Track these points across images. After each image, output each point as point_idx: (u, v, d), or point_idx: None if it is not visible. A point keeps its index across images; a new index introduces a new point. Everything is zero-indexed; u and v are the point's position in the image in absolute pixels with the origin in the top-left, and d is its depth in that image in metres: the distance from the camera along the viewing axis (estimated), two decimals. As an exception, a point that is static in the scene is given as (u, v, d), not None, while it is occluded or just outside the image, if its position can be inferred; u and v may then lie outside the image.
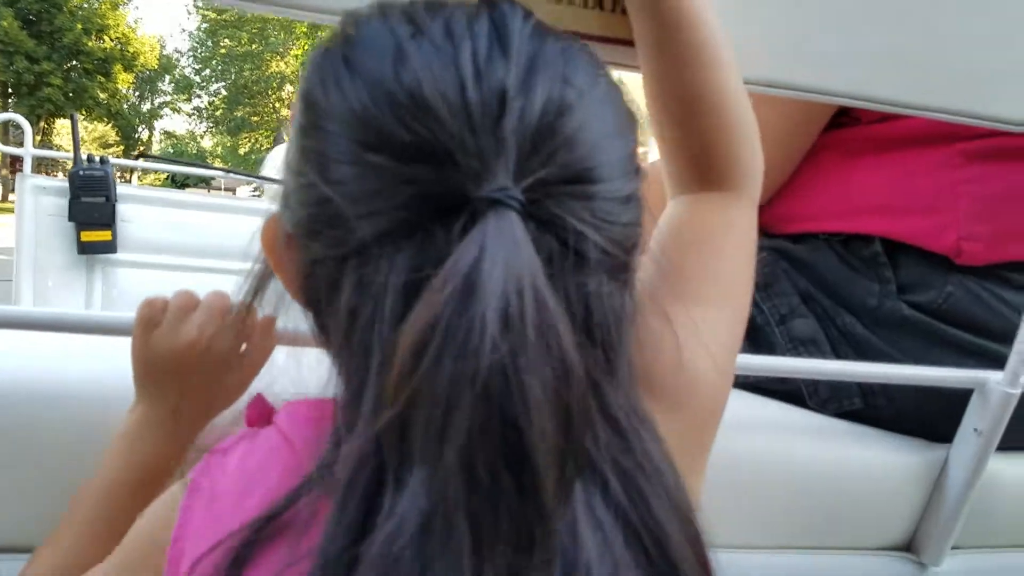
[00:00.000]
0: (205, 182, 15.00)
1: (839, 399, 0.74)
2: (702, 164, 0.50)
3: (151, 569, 0.39)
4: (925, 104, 0.61)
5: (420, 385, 0.29)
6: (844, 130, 0.76)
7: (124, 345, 0.52)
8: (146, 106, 26.24)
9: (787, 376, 0.73)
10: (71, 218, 1.51)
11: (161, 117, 26.71)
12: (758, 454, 0.72)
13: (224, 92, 26.44)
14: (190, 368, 0.52)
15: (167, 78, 26.34)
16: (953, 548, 0.78)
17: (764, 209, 0.83)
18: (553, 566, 0.30)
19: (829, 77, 0.59)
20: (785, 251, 0.77)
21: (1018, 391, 0.70)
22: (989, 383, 0.71)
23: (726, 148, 0.49)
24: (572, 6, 0.50)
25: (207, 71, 26.41)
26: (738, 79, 0.49)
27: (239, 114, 25.64)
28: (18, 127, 1.83)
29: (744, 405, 0.75)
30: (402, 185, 0.31)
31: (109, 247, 1.59)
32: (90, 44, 20.56)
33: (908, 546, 0.78)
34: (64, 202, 1.52)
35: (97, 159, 1.60)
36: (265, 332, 0.53)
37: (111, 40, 21.51)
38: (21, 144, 1.78)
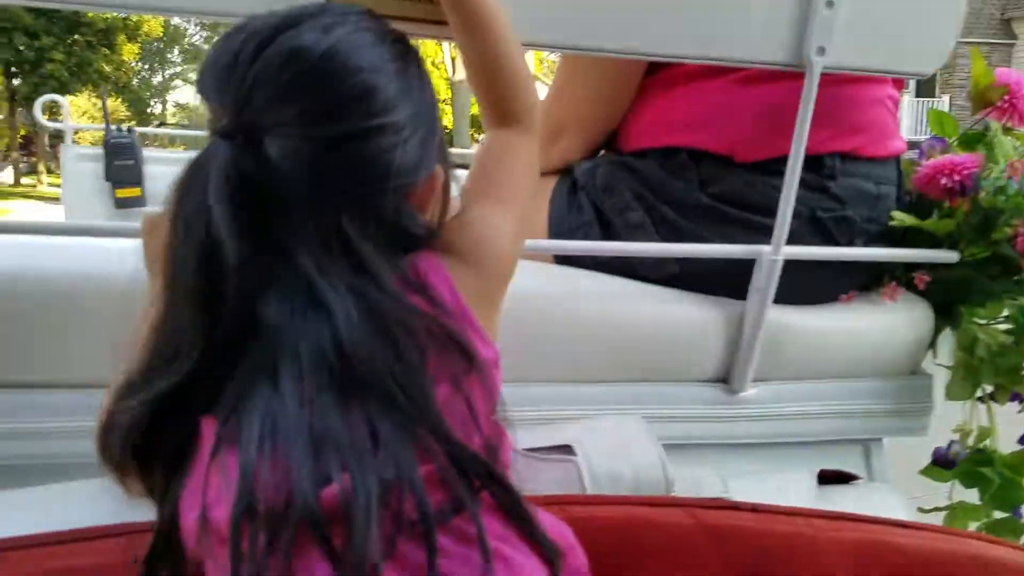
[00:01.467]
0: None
1: (662, 267, 1.11)
2: (495, 108, 0.77)
3: None
4: (697, 54, 0.99)
5: None
6: (658, 73, 1.13)
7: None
8: (157, 79, 27.02)
9: (624, 255, 1.12)
10: (107, 178, 1.94)
11: (173, 90, 27.51)
12: (605, 314, 1.08)
13: (235, 59, 27.00)
14: None
15: (176, 49, 27.06)
16: (756, 380, 1.13)
17: (612, 136, 1.22)
18: None
19: (625, 41, 0.97)
20: (624, 163, 1.14)
21: (781, 257, 1.02)
22: (762, 253, 1.03)
23: (507, 96, 0.76)
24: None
25: (215, 38, 26.98)
26: (513, 45, 0.76)
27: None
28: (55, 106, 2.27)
29: (591, 280, 1.11)
30: None
31: (140, 201, 2.00)
32: (89, 15, 20.77)
33: (724, 379, 1.14)
34: (100, 166, 1.96)
35: (125, 129, 2.04)
36: None
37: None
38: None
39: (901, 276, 1.19)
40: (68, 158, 1.98)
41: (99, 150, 1.98)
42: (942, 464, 1.19)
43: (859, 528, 0.89)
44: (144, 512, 0.73)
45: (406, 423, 0.54)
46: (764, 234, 1.05)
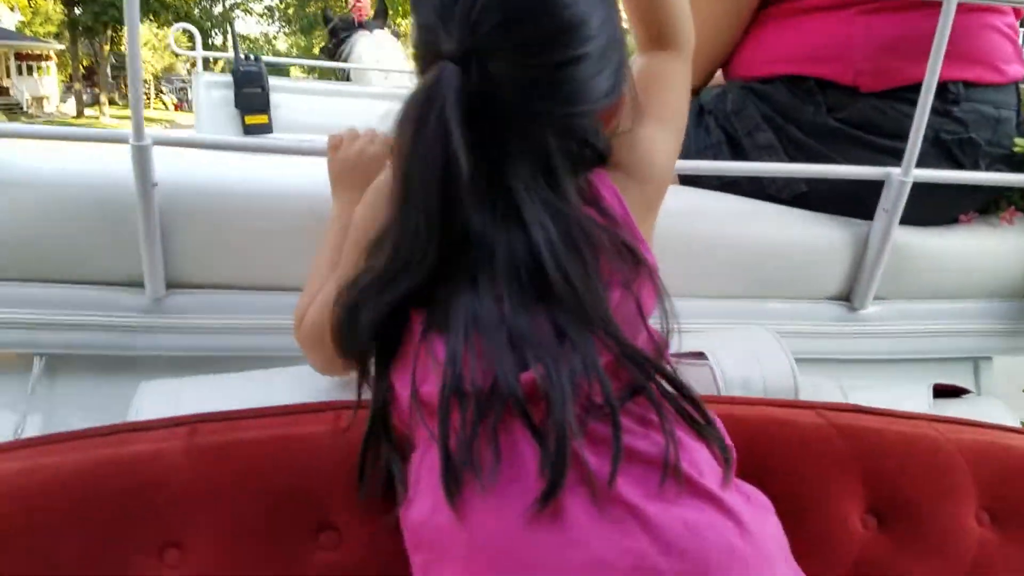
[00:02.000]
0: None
1: (791, 186, 1.19)
2: (652, 33, 0.82)
3: None
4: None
5: None
6: (780, 5, 1.20)
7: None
8: (217, 9, 27.18)
9: (753, 175, 1.20)
10: (236, 105, 2.07)
11: (234, 20, 27.62)
12: (733, 232, 1.17)
13: (294, -12, 27.18)
14: (357, 169, 0.90)
15: (236, -23, 27.09)
16: (877, 298, 1.22)
17: (735, 63, 1.29)
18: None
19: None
20: (752, 88, 1.21)
21: (910, 179, 1.08)
22: (891, 175, 1.10)
23: (665, 21, 0.81)
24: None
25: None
26: None
27: (311, 11, 26.29)
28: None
29: (719, 199, 1.20)
30: None
31: (267, 128, 2.14)
32: (149, -57, 20.97)
33: (847, 296, 1.23)
34: (230, 93, 2.09)
35: (252, 57, 2.16)
36: None
37: (169, -65, 21.51)
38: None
39: (1018, 201, 1.25)
40: (199, 85, 2.12)
41: (228, 78, 2.12)
42: (1051, 382, 1.26)
43: (977, 431, 0.96)
44: (339, 394, 0.86)
45: (586, 323, 0.63)
46: (889, 156, 1.12)
